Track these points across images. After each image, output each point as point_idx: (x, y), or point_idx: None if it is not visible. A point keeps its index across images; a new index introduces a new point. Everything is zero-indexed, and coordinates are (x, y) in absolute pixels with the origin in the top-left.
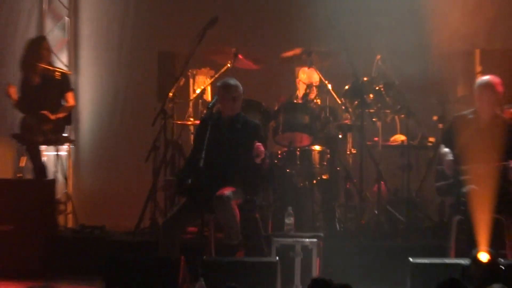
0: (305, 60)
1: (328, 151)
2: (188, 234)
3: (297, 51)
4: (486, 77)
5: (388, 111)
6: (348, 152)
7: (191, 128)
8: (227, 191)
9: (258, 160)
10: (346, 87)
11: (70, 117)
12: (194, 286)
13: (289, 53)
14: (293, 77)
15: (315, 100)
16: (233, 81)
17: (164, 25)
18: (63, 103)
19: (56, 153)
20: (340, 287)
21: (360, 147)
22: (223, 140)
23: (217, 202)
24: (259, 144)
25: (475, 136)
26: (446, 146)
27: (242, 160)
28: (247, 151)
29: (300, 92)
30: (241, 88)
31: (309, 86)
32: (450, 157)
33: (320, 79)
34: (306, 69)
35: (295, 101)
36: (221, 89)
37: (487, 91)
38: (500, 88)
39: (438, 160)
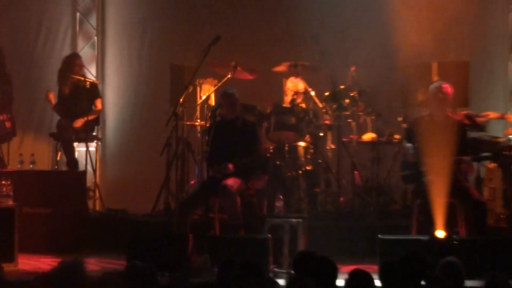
0: (292, 71)
1: (312, 146)
2: (196, 215)
3: (285, 67)
4: (436, 83)
5: (360, 113)
6: (328, 148)
7: (198, 128)
8: (231, 181)
9: (223, 172)
10: (326, 93)
11: (98, 119)
12: (201, 259)
13: (279, 68)
14: (282, 85)
15: (300, 104)
16: (230, 90)
17: (175, 43)
18: (93, 107)
19: (86, 149)
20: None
21: (337, 143)
22: (227, 138)
23: (222, 190)
24: (226, 164)
25: (431, 134)
26: (408, 142)
27: (243, 153)
28: (247, 145)
29: (288, 98)
30: (237, 94)
31: (295, 93)
32: (411, 151)
33: (305, 87)
34: (293, 78)
35: (283, 105)
36: (221, 98)
37: (438, 94)
38: (449, 91)
39: (402, 153)
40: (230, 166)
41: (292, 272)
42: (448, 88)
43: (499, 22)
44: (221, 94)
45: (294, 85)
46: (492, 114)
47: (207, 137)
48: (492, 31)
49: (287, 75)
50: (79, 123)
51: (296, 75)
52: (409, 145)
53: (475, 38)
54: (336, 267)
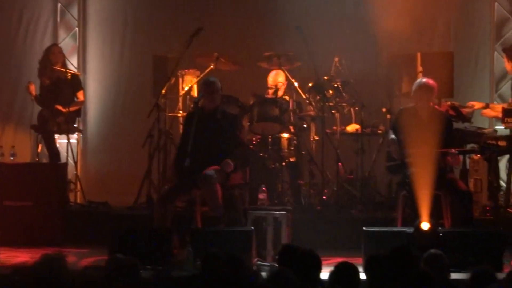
0: (275, 62)
1: (295, 138)
2: (178, 208)
3: (267, 61)
4: (421, 80)
5: (344, 104)
6: (311, 139)
7: (181, 119)
8: (212, 172)
9: (227, 170)
10: (310, 84)
11: (80, 111)
12: (183, 252)
13: (264, 64)
14: (267, 76)
15: (284, 96)
16: (211, 78)
17: (158, 34)
18: (75, 99)
19: (67, 140)
20: (306, 252)
21: (321, 135)
22: (206, 129)
23: (202, 180)
24: (228, 161)
25: (417, 126)
26: (394, 134)
27: (223, 145)
28: (226, 137)
29: (271, 91)
30: (219, 84)
31: (275, 87)
32: (395, 143)
33: (288, 78)
34: (273, 73)
35: (267, 96)
36: (202, 85)
37: (422, 92)
38: (433, 88)
39: (387, 144)
40: (229, 162)
41: (276, 265)
42: (431, 83)
43: (485, 11)
44: (202, 82)
45: (274, 79)
46: (476, 104)
47: (183, 126)
48: (478, 21)
49: (269, 69)
50: (62, 108)
51: (279, 65)
52: (393, 137)
53: (461, 28)
54: (320, 260)
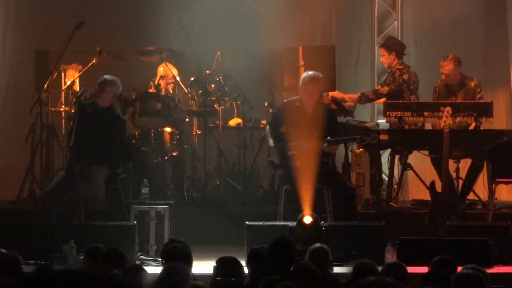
0: (158, 57)
1: (177, 132)
2: (63, 202)
3: (151, 55)
4: (309, 73)
5: (227, 98)
6: (194, 133)
7: (63, 114)
8: (97, 168)
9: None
10: (192, 78)
11: None
12: (66, 246)
13: (146, 58)
14: (150, 70)
15: (169, 90)
16: (109, 77)
17: (40, 28)
18: None
19: None
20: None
21: (203, 129)
22: (96, 126)
23: (87, 177)
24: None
25: (301, 118)
26: (273, 128)
27: (108, 143)
28: (113, 137)
29: (161, 85)
30: (114, 82)
31: (162, 78)
32: (274, 151)
33: (171, 72)
34: (165, 64)
35: (149, 90)
36: (98, 83)
37: (309, 85)
38: (319, 82)
39: (267, 141)
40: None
41: (159, 259)
42: (318, 77)
43: (366, 5)
44: (99, 80)
45: (164, 70)
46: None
47: (72, 123)
48: (359, 14)
49: (157, 61)
50: None
51: (162, 60)
52: (272, 146)
53: (342, 22)
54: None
